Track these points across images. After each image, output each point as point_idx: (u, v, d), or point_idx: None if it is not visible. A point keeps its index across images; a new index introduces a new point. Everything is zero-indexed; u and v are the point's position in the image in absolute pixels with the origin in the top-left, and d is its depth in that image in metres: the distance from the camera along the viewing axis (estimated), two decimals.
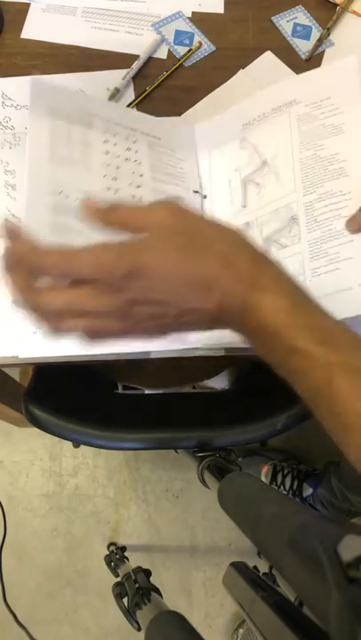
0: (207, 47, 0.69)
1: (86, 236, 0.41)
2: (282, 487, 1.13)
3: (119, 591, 0.77)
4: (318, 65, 0.68)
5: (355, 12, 0.71)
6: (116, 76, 0.66)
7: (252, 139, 0.59)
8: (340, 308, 0.48)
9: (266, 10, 0.71)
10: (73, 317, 0.32)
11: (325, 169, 0.53)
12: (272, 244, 0.54)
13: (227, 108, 0.65)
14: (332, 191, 0.53)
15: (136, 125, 0.59)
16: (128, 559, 1.06)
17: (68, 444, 1.27)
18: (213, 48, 0.69)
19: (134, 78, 0.67)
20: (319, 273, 0.51)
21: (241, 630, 1.10)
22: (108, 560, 1.07)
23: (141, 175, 0.56)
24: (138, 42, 0.69)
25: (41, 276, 0.33)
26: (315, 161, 0.54)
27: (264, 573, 0.51)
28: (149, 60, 0.68)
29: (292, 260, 0.53)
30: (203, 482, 0.68)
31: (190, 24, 0.70)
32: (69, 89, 0.61)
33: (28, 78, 0.62)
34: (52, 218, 0.50)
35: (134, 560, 1.06)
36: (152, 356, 0.55)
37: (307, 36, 0.70)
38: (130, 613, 0.71)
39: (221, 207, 0.58)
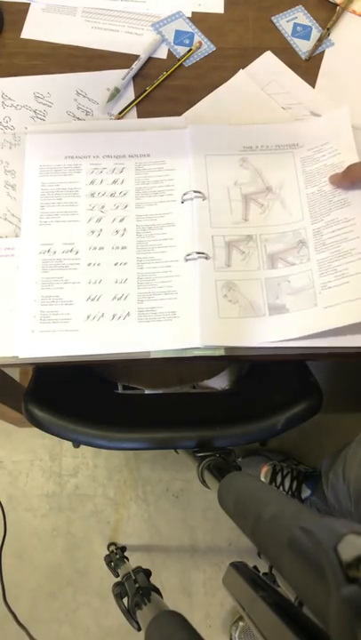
0: (207, 47, 0.69)
1: (72, 283, 0.57)
2: (281, 488, 1.13)
3: (119, 591, 0.77)
4: (318, 65, 0.68)
5: (355, 12, 0.71)
6: (116, 76, 0.66)
7: (254, 163, 0.62)
8: (349, 315, 0.54)
9: (266, 10, 0.71)
10: None
11: (330, 201, 0.60)
12: (278, 260, 0.58)
13: (227, 108, 0.65)
14: (337, 219, 0.59)
15: (125, 150, 0.63)
16: (128, 559, 1.06)
17: (68, 444, 1.27)
18: (213, 48, 0.69)
19: (134, 78, 0.67)
20: (329, 286, 0.56)
21: (241, 623, 1.09)
22: (108, 560, 1.07)
23: (126, 207, 0.60)
24: (138, 42, 0.69)
25: None
26: (320, 195, 0.60)
27: (264, 573, 0.51)
28: (149, 60, 0.68)
29: (302, 275, 0.57)
30: (203, 482, 0.68)
31: (190, 24, 0.70)
32: (60, 137, 0.63)
33: (26, 136, 0.63)
34: (42, 274, 0.57)
35: (134, 560, 1.06)
36: (152, 355, 0.55)
37: (307, 36, 0.70)
38: (130, 613, 0.71)
39: (220, 213, 0.60)
